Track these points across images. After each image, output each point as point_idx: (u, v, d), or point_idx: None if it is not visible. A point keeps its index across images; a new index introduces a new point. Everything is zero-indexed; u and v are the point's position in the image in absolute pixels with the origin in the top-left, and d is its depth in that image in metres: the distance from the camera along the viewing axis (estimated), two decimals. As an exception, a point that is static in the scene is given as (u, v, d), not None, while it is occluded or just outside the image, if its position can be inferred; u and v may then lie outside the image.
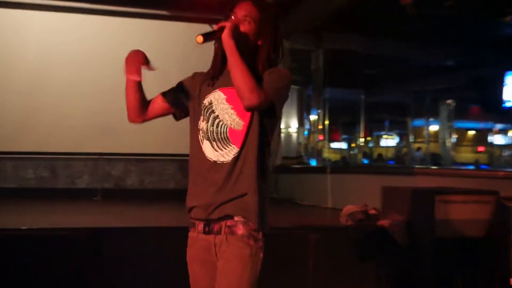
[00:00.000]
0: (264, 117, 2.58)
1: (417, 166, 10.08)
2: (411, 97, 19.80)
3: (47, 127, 9.57)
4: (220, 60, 2.69)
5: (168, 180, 10.11)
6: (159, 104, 2.78)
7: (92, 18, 9.83)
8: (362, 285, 5.79)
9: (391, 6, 6.05)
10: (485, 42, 13.20)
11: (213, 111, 2.63)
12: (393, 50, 13.46)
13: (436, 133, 20.91)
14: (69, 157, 9.73)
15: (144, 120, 2.85)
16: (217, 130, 2.60)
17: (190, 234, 2.68)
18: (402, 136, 24.20)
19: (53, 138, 9.61)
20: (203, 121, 2.65)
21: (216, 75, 2.69)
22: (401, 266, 5.91)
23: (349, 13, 9.32)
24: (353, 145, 23.37)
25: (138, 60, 2.68)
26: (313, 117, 11.46)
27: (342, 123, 23.81)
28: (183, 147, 9.27)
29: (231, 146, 2.56)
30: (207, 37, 2.58)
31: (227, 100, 2.61)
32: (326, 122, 11.82)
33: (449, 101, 18.31)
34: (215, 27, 2.59)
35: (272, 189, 10.16)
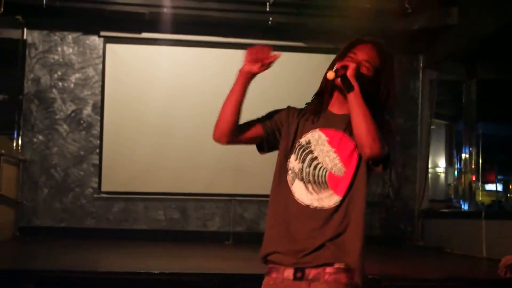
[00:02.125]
0: (370, 169, 2.52)
1: None
2: None
3: (178, 167, 9.80)
4: (327, 97, 2.67)
5: (303, 223, 10.08)
6: (255, 130, 2.68)
7: (224, 52, 10.01)
8: None
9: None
10: None
11: (311, 152, 2.58)
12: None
13: None
14: (200, 198, 9.91)
15: (229, 142, 2.70)
16: (314, 172, 2.54)
17: (269, 279, 2.61)
18: None
19: (184, 178, 9.83)
20: (295, 160, 2.59)
21: (319, 112, 2.66)
22: None
23: (507, 38, 9.00)
24: (510, 187, 22.37)
25: (264, 51, 2.67)
26: (464, 155, 11.11)
27: (497, 162, 22.93)
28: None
29: (328, 191, 2.51)
30: (337, 73, 2.51)
31: (329, 143, 2.57)
32: (480, 160, 11.42)
33: None
34: (336, 64, 2.53)
35: (418, 235, 9.92)
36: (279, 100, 10.67)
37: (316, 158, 2.56)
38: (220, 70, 9.97)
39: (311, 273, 2.47)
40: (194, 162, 9.84)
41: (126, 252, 7.64)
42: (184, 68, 10.02)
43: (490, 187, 24.33)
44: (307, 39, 9.99)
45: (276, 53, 2.62)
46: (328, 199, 2.50)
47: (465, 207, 11.17)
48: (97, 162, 9.73)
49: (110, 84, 9.83)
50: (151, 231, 9.66)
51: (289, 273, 2.50)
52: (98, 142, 9.77)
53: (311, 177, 2.53)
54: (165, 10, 9.11)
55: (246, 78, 2.68)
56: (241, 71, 2.68)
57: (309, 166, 2.55)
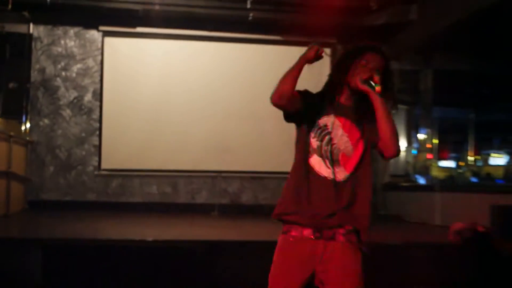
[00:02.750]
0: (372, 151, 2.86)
1: (529, 185, 9.65)
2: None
3: (169, 147, 9.83)
4: (340, 89, 2.93)
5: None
6: (297, 103, 2.85)
7: (209, 44, 10.05)
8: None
9: (503, 25, 5.84)
10: None
11: (328, 133, 2.83)
12: (504, 69, 12.94)
13: (549, 152, 19.89)
14: (189, 175, 9.94)
15: (283, 105, 2.83)
16: (330, 150, 2.80)
17: (288, 236, 2.86)
18: (512, 155, 23.18)
19: (175, 157, 9.85)
20: (313, 138, 2.85)
21: (333, 101, 2.92)
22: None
23: (458, 34, 9.06)
24: (461, 163, 22.55)
25: (318, 48, 2.79)
26: (421, 136, 11.19)
27: (450, 142, 23.11)
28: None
29: (340, 168, 2.79)
30: (373, 87, 2.77)
31: (343, 128, 2.83)
32: (435, 141, 11.50)
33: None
34: (371, 76, 2.78)
35: (380, 205, 10.01)
36: (258, 86, 10.73)
37: (332, 139, 2.82)
38: (206, 61, 10.02)
39: (327, 233, 2.74)
40: (183, 143, 9.86)
41: (123, 222, 7.65)
42: (174, 59, 10.00)
43: (444, 164, 24.53)
44: (283, 33, 9.97)
45: (325, 49, 2.81)
46: (340, 174, 2.78)
47: (421, 181, 11.28)
48: (97, 143, 9.72)
49: (108, 73, 9.82)
50: (145, 204, 9.69)
51: (308, 232, 2.76)
52: (98, 125, 9.76)
53: (328, 154, 2.80)
54: (156, 7, 9.11)
55: (303, 63, 2.81)
56: (302, 57, 2.82)
57: (327, 145, 2.81)
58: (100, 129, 9.76)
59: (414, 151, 13.30)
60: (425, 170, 11.21)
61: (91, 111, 9.77)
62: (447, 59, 11.24)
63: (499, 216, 6.05)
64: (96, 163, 9.71)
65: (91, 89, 9.79)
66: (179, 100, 9.89)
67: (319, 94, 2.98)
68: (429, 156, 11.15)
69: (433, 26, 8.82)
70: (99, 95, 9.79)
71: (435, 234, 7.58)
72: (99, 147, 9.73)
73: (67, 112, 9.71)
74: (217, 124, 9.91)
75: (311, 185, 2.79)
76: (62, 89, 9.71)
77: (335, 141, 2.82)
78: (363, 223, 2.77)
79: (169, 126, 9.85)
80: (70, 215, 8.21)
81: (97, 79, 9.80)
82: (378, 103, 2.75)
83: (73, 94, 9.75)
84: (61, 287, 5.00)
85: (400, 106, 13.22)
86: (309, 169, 2.82)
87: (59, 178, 9.60)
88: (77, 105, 9.74)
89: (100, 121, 9.76)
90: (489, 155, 24.56)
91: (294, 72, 2.78)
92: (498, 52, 11.64)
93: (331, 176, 2.78)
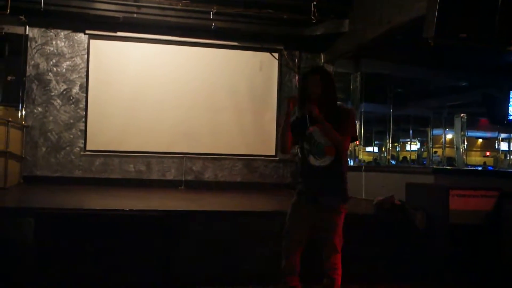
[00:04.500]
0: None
1: (435, 167, 9.84)
2: (431, 111, 19.45)
3: (144, 132, 9.73)
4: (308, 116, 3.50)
5: (236, 174, 10.16)
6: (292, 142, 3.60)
7: (179, 48, 9.94)
8: (387, 258, 5.73)
9: (417, 37, 5.96)
10: (493, 67, 12.84)
11: (313, 138, 3.50)
12: (418, 73, 13.23)
13: (451, 140, 20.41)
14: (161, 156, 9.86)
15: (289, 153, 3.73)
16: (317, 149, 3.49)
17: (295, 200, 3.57)
18: (423, 143, 23.69)
19: (149, 141, 9.76)
20: (307, 144, 3.52)
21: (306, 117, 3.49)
22: (420, 245, 5.82)
23: (381, 44, 9.19)
24: (383, 149, 22.98)
25: (293, 101, 3.46)
26: (351, 126, 11.32)
27: (374, 132, 23.46)
28: (248, 149, 9.40)
29: (326, 157, 3.47)
30: (303, 126, 3.49)
31: (320, 132, 3.47)
32: (362, 130, 11.67)
33: (462, 115, 17.83)
34: (308, 107, 3.42)
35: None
36: (218, 83, 10.66)
37: (317, 141, 3.49)
38: (175, 61, 9.95)
39: (319, 200, 3.45)
40: (156, 129, 9.78)
41: (104, 194, 7.55)
42: (149, 59, 9.86)
43: (369, 149, 24.92)
44: (239, 39, 9.95)
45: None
46: (325, 160, 3.47)
47: (351, 163, 11.43)
48: (83, 128, 9.55)
49: (93, 70, 9.64)
50: (123, 180, 9.59)
51: (307, 199, 3.48)
52: (84, 113, 9.57)
53: (316, 152, 3.50)
54: (135, 15, 8.99)
55: (288, 116, 3.53)
56: (285, 115, 3.53)
57: (314, 146, 3.50)
58: (85, 116, 9.57)
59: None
60: (354, 154, 11.37)
61: (78, 101, 9.58)
62: (372, 64, 11.41)
63: (412, 191, 6.19)
64: (82, 145, 9.54)
65: (78, 83, 9.59)
66: (152, 93, 9.79)
67: (297, 113, 3.61)
68: (357, 142, 11.31)
69: (361, 38, 8.91)
70: (85, 88, 9.59)
71: (361, 206, 7.70)
72: (84, 131, 9.55)
73: (57, 102, 9.50)
74: (184, 114, 9.87)
75: (309, 172, 3.56)
76: (53, 82, 9.50)
77: (319, 141, 3.48)
78: (341, 191, 3.57)
79: (144, 115, 9.73)
80: (59, 188, 8.08)
81: (83, 74, 9.60)
82: (319, 124, 3.42)
83: (62, 86, 9.54)
84: (50, 249, 4.94)
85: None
86: (308, 163, 3.54)
87: (50, 157, 9.41)
88: (66, 96, 9.54)
89: (85, 109, 9.57)
90: (405, 142, 25.10)
91: (285, 130, 3.51)
92: (411, 60, 11.89)
93: (317, 164, 3.50)
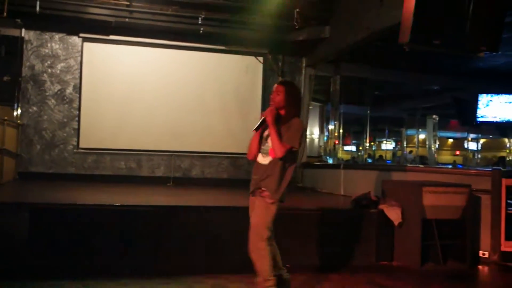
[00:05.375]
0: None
1: (408, 165, 9.92)
2: (406, 112, 19.61)
3: (135, 131, 9.65)
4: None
5: (222, 171, 10.14)
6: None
7: (169, 51, 9.87)
8: (366, 251, 5.75)
9: (392, 43, 5.99)
10: (463, 72, 12.99)
11: (266, 141, 3.79)
12: (393, 77, 13.32)
13: (423, 140, 20.60)
14: (150, 153, 9.78)
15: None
16: (266, 149, 3.77)
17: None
18: (398, 142, 23.89)
19: (139, 139, 9.68)
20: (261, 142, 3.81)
21: (263, 123, 3.79)
22: (394, 240, 5.85)
23: (359, 49, 9.23)
24: (360, 148, 23.14)
25: (265, 114, 3.75)
26: (331, 126, 11.36)
27: (352, 132, 23.63)
28: (234, 147, 9.38)
29: (269, 156, 3.75)
30: (259, 127, 3.78)
31: (270, 135, 3.74)
32: (341, 130, 11.71)
33: (434, 116, 18.02)
34: (261, 116, 3.79)
35: (299, 179, 10.14)
36: (206, 85, 10.62)
37: (268, 142, 3.77)
38: (165, 64, 9.92)
39: (256, 192, 3.78)
40: (146, 128, 9.70)
41: (96, 190, 7.47)
42: (140, 62, 9.78)
43: (347, 148, 25.05)
44: (227, 44, 9.92)
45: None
46: (267, 159, 3.76)
47: (330, 161, 11.47)
48: (76, 126, 9.44)
49: (86, 71, 9.52)
50: (115, 176, 9.49)
51: (250, 191, 3.84)
52: (77, 112, 9.46)
53: (264, 151, 3.79)
54: (127, 19, 8.90)
55: (260, 130, 3.81)
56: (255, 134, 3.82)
57: (264, 146, 3.80)
58: (79, 115, 9.46)
59: (325, 138, 13.54)
60: (333, 153, 11.41)
61: (71, 101, 9.46)
62: (351, 68, 11.46)
63: (388, 188, 6.21)
64: (75, 143, 9.43)
65: (72, 84, 9.47)
66: (143, 94, 9.71)
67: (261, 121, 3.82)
68: (336, 142, 11.36)
69: (341, 43, 8.93)
70: (78, 89, 9.48)
71: (340, 201, 7.72)
72: (78, 130, 9.44)
73: (52, 102, 9.38)
74: (173, 114, 9.82)
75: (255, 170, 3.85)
76: (48, 83, 9.38)
77: (269, 144, 3.73)
78: (272, 187, 3.70)
79: (135, 115, 9.65)
80: (53, 184, 7.99)
81: (77, 75, 9.49)
82: (270, 128, 3.70)
83: (57, 87, 9.42)
84: (44, 243, 4.89)
85: (315, 104, 13.42)
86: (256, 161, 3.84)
87: (45, 154, 9.29)
88: (60, 96, 9.42)
89: (79, 109, 9.46)
90: (381, 142, 25.28)
91: (256, 139, 3.80)
92: (388, 64, 11.96)
93: (262, 162, 3.78)
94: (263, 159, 3.76)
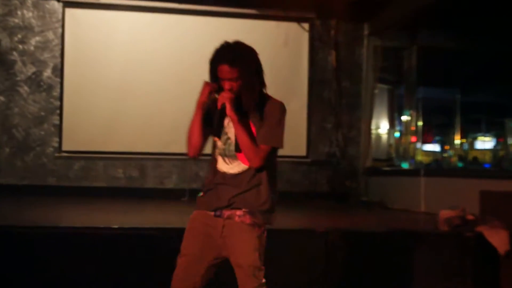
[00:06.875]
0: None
1: (517, 170, 9.70)
2: (511, 97, 19.25)
3: (137, 127, 9.76)
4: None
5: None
6: (202, 134, 3.41)
7: (180, 18, 9.97)
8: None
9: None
10: None
11: (226, 133, 3.33)
12: (494, 47, 13.04)
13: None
14: (158, 157, 9.88)
15: (200, 153, 3.38)
16: (230, 150, 3.29)
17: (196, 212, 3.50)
18: (499, 138, 23.49)
19: (143, 138, 9.79)
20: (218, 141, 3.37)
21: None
22: (499, 274, 5.74)
23: (447, 8, 9.06)
24: (446, 147, 22.81)
25: (209, 85, 3.26)
26: (405, 118, 11.24)
27: (436, 125, 23.32)
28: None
29: (239, 163, 3.25)
30: (221, 117, 3.27)
31: (236, 135, 3.24)
32: (419, 123, 11.57)
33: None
34: (218, 101, 3.21)
35: (363, 191, 10.05)
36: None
37: (229, 138, 3.33)
38: (176, 36, 9.94)
39: (226, 213, 3.24)
40: (152, 123, 9.80)
41: (86, 208, 7.56)
42: (142, 33, 9.90)
43: (428, 147, 24.75)
44: (258, 6, 9.92)
45: (213, 84, 3.22)
46: (235, 167, 3.27)
47: (405, 165, 11.34)
48: (57, 122, 9.61)
49: (70, 48, 9.68)
50: (110, 188, 9.63)
51: (211, 212, 3.33)
52: (59, 103, 9.63)
53: (230, 153, 3.29)
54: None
55: (200, 108, 3.30)
56: (197, 103, 3.32)
57: (225, 144, 3.34)
58: (61, 107, 9.64)
59: (397, 134, 13.37)
60: (408, 154, 11.28)
61: (51, 88, 9.64)
62: (433, 35, 11.29)
63: (489, 202, 6.08)
64: (56, 144, 9.61)
65: (50, 64, 9.66)
66: (147, 77, 9.80)
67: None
68: (413, 139, 11.23)
69: (418, 1, 8.82)
70: (59, 71, 9.66)
71: (420, 221, 7.62)
72: (59, 126, 9.62)
73: (24, 89, 9.57)
74: (188, 105, 9.76)
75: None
76: (19, 64, 9.58)
77: (231, 138, 3.29)
78: (256, 206, 3.23)
79: (136, 105, 9.77)
80: (28, 200, 8.11)
81: (58, 53, 9.67)
82: (232, 120, 3.20)
83: (31, 69, 9.61)
84: (15, 280, 4.92)
85: (383, 86, 13.27)
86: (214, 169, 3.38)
87: (16, 160, 9.49)
88: (35, 81, 9.61)
89: (60, 98, 9.64)
90: (475, 138, 24.86)
91: (195, 122, 3.36)
92: (486, 28, 11.71)
93: (230, 171, 3.28)
94: (227, 167, 3.28)
